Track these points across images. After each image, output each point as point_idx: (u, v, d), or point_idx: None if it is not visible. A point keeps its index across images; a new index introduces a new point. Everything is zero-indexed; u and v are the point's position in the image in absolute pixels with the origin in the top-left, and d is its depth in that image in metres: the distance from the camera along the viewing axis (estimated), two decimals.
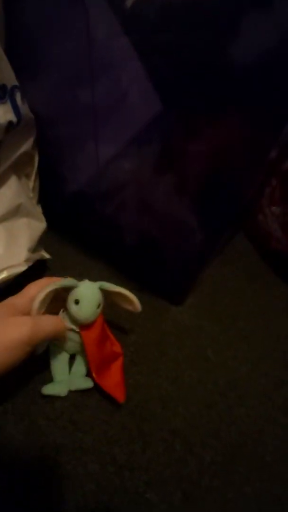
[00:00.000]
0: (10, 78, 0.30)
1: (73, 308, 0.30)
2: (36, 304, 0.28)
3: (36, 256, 0.36)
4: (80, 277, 0.46)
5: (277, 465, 0.30)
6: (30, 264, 0.33)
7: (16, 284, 0.33)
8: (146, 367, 0.36)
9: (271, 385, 0.36)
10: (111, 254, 0.46)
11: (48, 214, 0.42)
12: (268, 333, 0.42)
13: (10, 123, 0.30)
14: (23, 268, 0.32)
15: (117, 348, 0.34)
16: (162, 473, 0.29)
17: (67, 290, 0.31)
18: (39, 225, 0.38)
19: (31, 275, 0.36)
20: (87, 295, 0.30)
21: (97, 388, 0.32)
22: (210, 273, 0.47)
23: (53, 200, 0.44)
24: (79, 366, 0.33)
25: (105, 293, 0.32)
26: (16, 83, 0.31)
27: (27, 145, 0.36)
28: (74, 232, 0.47)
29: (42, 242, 0.39)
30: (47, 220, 0.41)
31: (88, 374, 0.33)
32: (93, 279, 0.45)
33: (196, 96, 0.28)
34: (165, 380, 0.35)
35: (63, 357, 0.33)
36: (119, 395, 0.31)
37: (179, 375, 0.36)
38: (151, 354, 0.37)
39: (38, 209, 0.40)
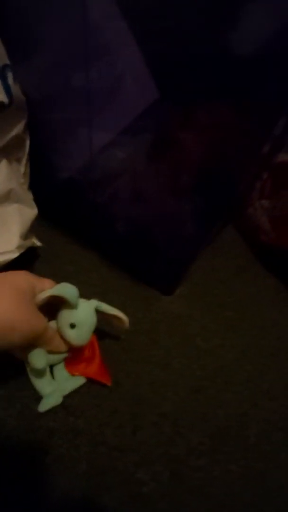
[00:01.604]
0: (1, 57, 0.29)
1: (67, 332, 0.29)
2: (39, 300, 0.28)
3: (28, 243, 0.35)
4: (71, 265, 0.46)
5: (260, 445, 0.32)
6: (22, 251, 0.33)
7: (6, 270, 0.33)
8: (137, 354, 0.36)
9: (257, 372, 0.38)
10: (103, 243, 0.45)
11: (39, 200, 0.41)
12: (255, 322, 0.43)
13: (1, 103, 0.29)
14: (14, 255, 0.31)
15: (91, 353, 0.33)
16: (151, 454, 0.30)
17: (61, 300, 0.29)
18: (31, 211, 0.37)
19: (22, 262, 0.35)
20: (85, 320, 0.29)
21: None
22: (200, 264, 0.48)
23: (44, 186, 0.43)
24: (61, 370, 0.32)
25: (100, 313, 0.31)
26: (7, 62, 0.30)
27: (18, 129, 0.35)
28: (66, 220, 0.47)
29: (33, 229, 0.39)
30: (38, 207, 0.40)
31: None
32: (85, 268, 0.45)
33: (193, 86, 0.28)
34: (155, 366, 0.36)
35: (44, 371, 0.32)
36: (104, 378, 0.32)
37: (169, 361, 0.37)
38: (142, 342, 0.38)
39: (29, 195, 0.40)
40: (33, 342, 0.28)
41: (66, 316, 0.29)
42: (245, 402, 0.35)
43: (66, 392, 0.31)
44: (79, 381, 0.32)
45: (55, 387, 0.31)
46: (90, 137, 0.35)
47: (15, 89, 0.32)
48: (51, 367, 0.32)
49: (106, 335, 0.37)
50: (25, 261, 0.38)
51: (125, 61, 0.29)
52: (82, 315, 0.29)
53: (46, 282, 0.30)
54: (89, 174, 0.40)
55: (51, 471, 0.27)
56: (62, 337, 0.30)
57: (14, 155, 0.37)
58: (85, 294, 0.42)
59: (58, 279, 0.43)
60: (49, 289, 0.29)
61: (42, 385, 0.31)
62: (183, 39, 0.26)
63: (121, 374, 0.34)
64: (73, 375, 0.32)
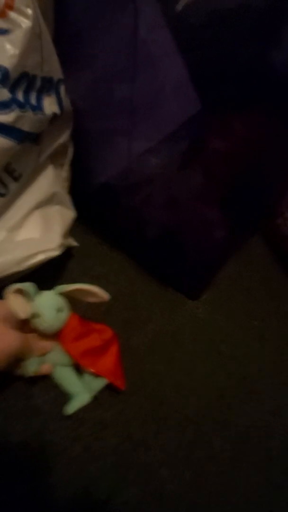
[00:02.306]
0: (57, 72, 0.31)
1: (35, 322, 0.29)
2: (15, 307, 0.27)
3: (67, 242, 0.37)
4: (101, 266, 0.48)
5: (282, 458, 0.32)
6: (63, 249, 0.35)
7: (40, 270, 0.35)
8: (162, 356, 0.38)
9: (281, 385, 0.38)
10: (133, 246, 0.47)
11: (74, 203, 0.44)
12: (280, 334, 0.43)
13: (54, 115, 0.32)
14: (57, 252, 0.34)
15: (107, 334, 0.33)
16: (174, 455, 0.30)
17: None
18: (70, 213, 0.40)
19: (57, 260, 0.37)
20: (43, 304, 0.30)
21: None
22: (226, 271, 0.48)
23: (80, 190, 0.46)
24: (85, 374, 0.32)
25: (68, 294, 0.31)
26: (61, 76, 0.32)
27: (64, 137, 0.38)
28: (99, 223, 0.49)
29: (69, 230, 0.41)
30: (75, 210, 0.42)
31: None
32: (114, 270, 0.47)
33: (234, 99, 0.29)
34: (180, 369, 0.37)
35: (67, 371, 0.32)
36: (119, 382, 0.32)
37: (193, 366, 0.37)
38: (167, 343, 0.39)
39: (69, 198, 0.42)
40: (17, 358, 0.28)
41: (30, 310, 0.29)
42: (267, 414, 0.35)
43: (94, 393, 0.31)
44: (104, 381, 0.32)
45: (82, 386, 0.31)
46: (129, 145, 0.37)
47: (66, 101, 0.34)
48: (79, 370, 0.32)
49: (133, 335, 0.39)
50: (59, 260, 0.40)
51: (171, 76, 0.30)
52: (40, 301, 0.30)
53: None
54: (125, 180, 0.42)
55: (78, 459, 0.28)
56: (43, 336, 0.30)
57: (59, 161, 0.40)
58: (113, 293, 0.43)
59: (88, 278, 0.45)
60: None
61: (69, 385, 0.31)
62: (227, 53, 0.27)
63: (146, 373, 0.35)
64: (90, 371, 0.31)
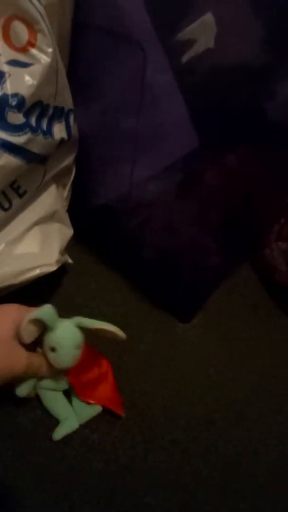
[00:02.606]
0: (68, 103, 0.34)
1: (50, 355, 0.28)
2: (23, 333, 0.26)
3: (63, 259, 0.38)
4: (96, 284, 0.49)
5: (271, 487, 0.31)
6: (59, 265, 0.36)
7: (35, 285, 0.36)
8: (152, 377, 0.38)
9: (268, 410, 0.38)
10: (129, 267, 0.48)
11: (73, 222, 0.45)
12: (269, 360, 0.44)
13: (62, 140, 0.34)
14: (54, 268, 0.34)
15: (104, 366, 0.33)
16: (161, 480, 0.30)
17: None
18: (68, 231, 0.41)
19: (52, 276, 0.38)
20: (64, 341, 0.27)
21: None
22: (217, 297, 0.50)
23: (80, 210, 0.47)
24: (74, 398, 0.31)
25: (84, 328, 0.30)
26: (72, 107, 0.35)
27: (69, 160, 0.40)
28: (96, 242, 0.51)
29: (66, 247, 0.42)
30: (73, 228, 0.44)
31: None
32: (109, 288, 0.48)
33: (230, 139, 0.32)
34: (169, 391, 0.37)
35: (57, 395, 0.31)
36: (117, 407, 0.32)
37: (182, 388, 0.37)
38: (157, 365, 0.39)
39: (67, 217, 0.44)
40: (16, 378, 0.27)
41: (47, 340, 0.28)
42: (256, 440, 0.35)
43: (83, 420, 0.31)
44: (96, 409, 0.31)
45: (70, 412, 0.30)
46: (132, 172, 0.40)
47: (74, 129, 0.37)
48: (68, 394, 0.31)
49: (124, 354, 0.39)
50: (55, 276, 0.41)
51: (173, 115, 0.34)
52: (60, 336, 0.27)
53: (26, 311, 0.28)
54: (124, 203, 0.44)
55: (63, 481, 0.27)
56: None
57: (62, 182, 0.42)
58: (106, 312, 0.44)
59: (83, 295, 0.45)
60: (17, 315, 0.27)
61: (58, 410, 0.30)
62: (225, 100, 0.31)
63: (135, 394, 0.35)
64: (86, 401, 0.31)
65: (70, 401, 0.32)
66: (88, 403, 0.31)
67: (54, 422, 0.31)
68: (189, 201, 0.40)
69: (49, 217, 0.38)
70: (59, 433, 0.30)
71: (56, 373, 0.30)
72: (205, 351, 0.42)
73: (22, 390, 0.28)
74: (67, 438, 0.30)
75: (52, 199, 0.38)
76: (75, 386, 0.30)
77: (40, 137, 0.30)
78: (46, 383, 0.30)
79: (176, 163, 0.37)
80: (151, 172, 0.39)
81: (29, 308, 0.28)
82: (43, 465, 0.28)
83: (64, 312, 0.42)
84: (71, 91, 0.35)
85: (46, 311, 0.28)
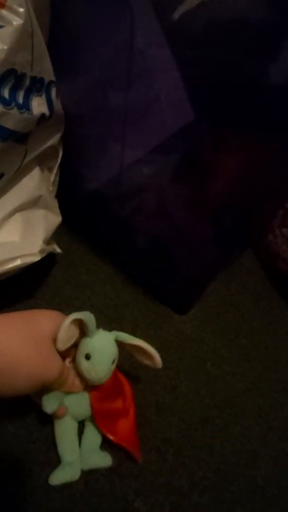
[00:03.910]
0: (48, 73, 0.31)
1: (83, 364, 0.25)
2: (62, 335, 0.24)
3: (49, 248, 0.36)
4: (87, 274, 0.46)
5: (269, 489, 0.30)
6: (43, 255, 0.33)
7: (20, 276, 0.34)
8: (145, 373, 0.35)
9: (268, 407, 0.36)
10: (121, 256, 0.46)
11: (62, 209, 0.42)
12: (269, 354, 0.41)
13: (42, 115, 0.31)
14: (36, 258, 0.32)
15: (128, 400, 0.29)
16: (152, 483, 0.28)
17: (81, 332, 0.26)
18: (55, 218, 0.38)
19: (38, 268, 0.36)
20: (101, 349, 0.26)
21: None
22: (215, 287, 0.47)
23: (69, 196, 0.44)
24: (92, 436, 0.28)
25: (121, 344, 0.28)
26: (53, 78, 0.32)
27: (54, 140, 0.37)
28: (86, 230, 0.48)
29: (55, 236, 0.39)
30: (62, 215, 0.41)
31: (102, 445, 0.28)
32: (101, 279, 0.45)
33: (229, 112, 0.28)
34: (162, 388, 0.35)
35: (71, 429, 0.27)
36: (136, 453, 0.28)
37: (177, 384, 0.35)
38: None
39: (55, 203, 0.41)
40: (49, 386, 0.25)
41: (82, 346, 0.26)
42: (254, 439, 0.33)
43: (87, 467, 0.27)
44: (106, 461, 0.27)
45: (76, 457, 0.27)
46: (122, 153, 0.36)
47: (57, 104, 0.33)
48: (80, 432, 0.28)
49: None
50: (43, 266, 0.38)
51: (163, 84, 0.30)
52: (97, 344, 0.26)
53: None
54: (116, 188, 0.41)
55: (46, 489, 0.26)
56: (79, 374, 0.27)
57: (47, 164, 0.39)
58: (98, 304, 0.42)
59: (72, 287, 0.43)
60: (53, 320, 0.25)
61: (65, 447, 0.27)
62: (224, 66, 0.27)
63: None
64: (104, 433, 0.27)
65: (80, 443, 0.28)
66: (99, 451, 0.28)
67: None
68: (185, 184, 0.37)
69: (33, 203, 0.35)
70: (57, 478, 0.26)
71: (80, 395, 0.27)
72: (202, 344, 0.40)
73: (51, 405, 0.25)
74: (51, 441, 0.28)
75: (35, 183, 0.35)
76: (96, 412, 0.27)
77: (14, 111, 0.27)
78: (72, 402, 0.27)
79: (170, 142, 0.34)
80: (142, 152, 0.35)
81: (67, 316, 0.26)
82: (25, 468, 0.26)
83: (51, 304, 0.40)
84: (54, 64, 0.32)
85: (88, 314, 0.26)
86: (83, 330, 0.26)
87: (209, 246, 0.38)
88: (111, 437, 0.27)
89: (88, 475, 0.27)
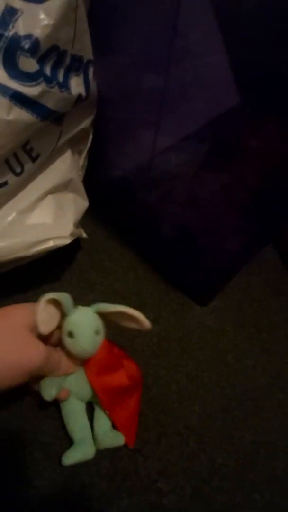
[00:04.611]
0: (88, 52, 0.30)
1: (67, 341, 0.26)
2: (40, 317, 0.23)
3: (78, 232, 0.36)
4: (110, 261, 0.46)
5: (287, 480, 0.30)
6: (74, 238, 0.33)
7: (48, 258, 0.34)
8: (167, 361, 0.36)
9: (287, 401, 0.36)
10: (145, 244, 0.45)
11: (88, 194, 0.42)
12: None
13: (79, 96, 0.30)
14: (68, 240, 0.32)
15: (135, 374, 0.29)
16: (174, 466, 0.29)
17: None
18: (84, 202, 0.38)
19: (66, 251, 0.36)
20: (81, 324, 0.25)
21: None
22: (237, 280, 0.47)
23: (95, 181, 0.44)
24: (102, 418, 0.28)
25: (105, 315, 0.27)
26: (91, 57, 0.31)
27: (86, 122, 0.36)
28: (111, 217, 0.48)
29: (80, 221, 0.39)
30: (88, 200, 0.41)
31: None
32: (123, 266, 0.45)
33: (273, 99, 0.27)
34: (184, 376, 0.35)
35: (78, 409, 0.27)
36: (130, 438, 0.28)
37: (198, 374, 0.36)
38: (172, 349, 0.37)
39: (83, 188, 0.41)
40: (41, 373, 0.25)
41: (64, 326, 0.26)
42: (274, 431, 0.33)
43: (101, 447, 0.27)
44: (119, 439, 0.27)
45: (86, 435, 0.27)
46: (154, 139, 0.36)
47: (93, 85, 0.33)
48: (91, 413, 0.28)
49: (137, 337, 0.37)
50: (68, 250, 0.38)
51: (205, 67, 0.29)
52: (77, 319, 0.25)
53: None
54: (143, 175, 0.41)
55: (74, 466, 0.26)
56: (70, 355, 0.26)
57: (77, 147, 0.38)
58: (120, 291, 0.42)
59: (96, 272, 0.43)
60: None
61: (75, 426, 0.27)
62: (273, 49, 0.26)
63: (149, 378, 0.33)
64: (108, 414, 0.27)
65: (91, 424, 0.28)
66: (111, 431, 0.27)
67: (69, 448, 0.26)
68: (215, 173, 0.36)
69: (64, 186, 0.35)
70: (70, 458, 0.26)
71: (78, 374, 0.27)
72: (223, 336, 0.40)
73: (49, 392, 0.25)
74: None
75: (67, 166, 0.34)
76: (95, 386, 0.26)
77: (55, 90, 0.26)
78: (72, 383, 0.27)
79: (204, 130, 0.33)
80: (175, 139, 0.35)
81: None
82: (51, 445, 0.27)
83: (77, 288, 0.40)
84: (92, 43, 0.31)
85: (62, 294, 0.26)
86: (64, 312, 0.26)
87: (237, 238, 0.38)
88: (109, 414, 0.27)
89: (113, 454, 0.28)
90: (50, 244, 0.31)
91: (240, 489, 0.29)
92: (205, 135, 0.34)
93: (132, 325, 0.28)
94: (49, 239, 0.31)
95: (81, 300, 0.39)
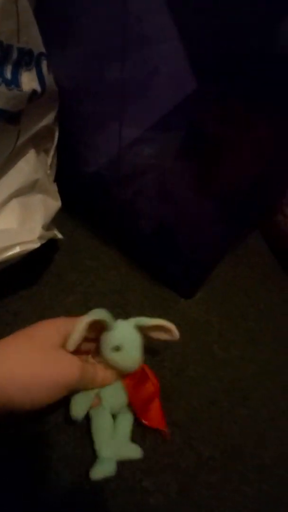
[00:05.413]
0: (37, 44, 0.28)
1: (113, 356, 0.26)
2: (77, 335, 0.24)
3: (49, 234, 0.35)
4: (91, 260, 0.45)
5: (276, 469, 0.30)
6: (43, 242, 0.32)
7: (23, 263, 0.33)
8: (151, 357, 0.35)
9: (276, 390, 0.36)
10: (125, 240, 0.45)
11: (63, 193, 0.41)
12: (277, 336, 0.41)
13: (33, 92, 0.29)
14: (36, 245, 0.31)
15: (154, 386, 0.30)
16: (159, 463, 0.28)
17: (94, 330, 0.26)
18: (54, 203, 0.37)
19: (41, 254, 0.35)
20: (128, 338, 0.26)
21: None
22: (222, 270, 0.46)
23: (69, 179, 0.43)
24: (123, 428, 0.28)
25: (141, 328, 0.28)
26: (43, 50, 0.29)
27: (48, 119, 0.35)
28: (89, 214, 0.47)
29: (55, 221, 0.38)
30: (62, 200, 0.40)
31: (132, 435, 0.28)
32: (105, 265, 0.45)
33: (236, 83, 0.26)
34: (169, 371, 0.35)
35: (107, 423, 0.27)
36: (167, 433, 0.29)
37: (183, 368, 0.35)
38: (156, 344, 0.36)
39: (54, 187, 0.39)
40: (78, 388, 0.25)
41: (107, 341, 0.26)
42: (262, 421, 0.33)
43: (120, 458, 0.27)
44: (136, 452, 0.28)
45: (112, 452, 0.27)
46: (120, 131, 0.34)
47: (49, 78, 0.31)
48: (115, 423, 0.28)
49: None
50: (45, 253, 0.38)
51: (164, 53, 0.27)
52: (124, 334, 0.26)
53: (75, 321, 0.26)
54: (116, 170, 0.40)
55: (56, 469, 0.26)
56: (109, 367, 0.27)
57: (42, 146, 0.37)
58: (102, 290, 0.41)
59: (76, 273, 0.42)
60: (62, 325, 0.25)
61: (102, 443, 0.27)
62: (230, 31, 0.24)
63: None
64: (145, 423, 0.28)
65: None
66: (130, 443, 0.28)
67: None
68: (189, 163, 0.35)
69: (29, 188, 0.33)
70: (97, 473, 0.26)
71: (115, 386, 0.27)
72: (209, 328, 0.40)
73: (78, 411, 0.26)
74: (59, 423, 0.28)
75: (31, 166, 0.33)
76: (133, 400, 0.27)
77: (3, 88, 0.25)
78: (106, 393, 0.27)
79: (172, 118, 0.32)
80: (142, 129, 0.33)
81: (74, 319, 0.26)
82: (34, 452, 0.26)
83: (55, 291, 0.40)
84: (43, 34, 0.29)
85: (102, 311, 0.26)
86: (93, 327, 0.26)
87: (216, 228, 0.37)
88: (146, 423, 0.28)
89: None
90: (17, 250, 0.30)
91: (229, 481, 0.28)
92: (171, 124, 0.32)
93: (163, 336, 0.29)
94: (15, 244, 0.30)
95: (60, 303, 0.38)
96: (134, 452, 0.28)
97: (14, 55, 0.26)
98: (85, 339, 0.26)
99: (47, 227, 0.34)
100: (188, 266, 0.41)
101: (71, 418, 0.26)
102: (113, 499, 0.26)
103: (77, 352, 0.25)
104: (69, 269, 0.42)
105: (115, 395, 0.28)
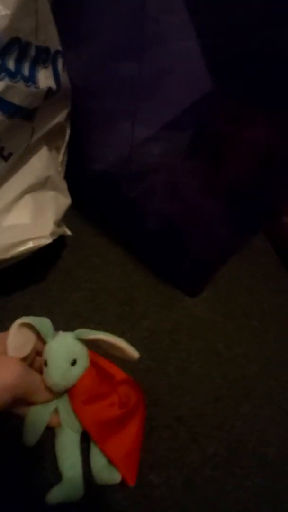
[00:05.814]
0: (54, 42, 0.29)
1: (44, 370, 0.24)
2: (11, 337, 0.23)
3: (60, 231, 0.35)
4: (97, 257, 0.46)
5: (279, 465, 0.30)
6: (55, 237, 0.33)
7: (32, 259, 0.33)
8: (157, 354, 0.36)
9: (279, 388, 0.36)
10: (131, 238, 0.45)
11: (71, 191, 0.41)
12: (280, 335, 0.41)
13: (49, 89, 0.29)
14: (48, 240, 0.31)
15: (131, 398, 0.26)
16: (165, 458, 0.29)
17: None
18: (65, 200, 0.37)
19: (50, 250, 0.35)
20: (54, 351, 0.23)
21: None
22: (227, 269, 0.46)
23: (78, 177, 0.43)
24: (97, 452, 0.25)
25: (89, 341, 0.25)
26: (59, 48, 0.30)
27: (61, 117, 0.35)
28: (96, 212, 0.47)
29: (64, 218, 0.39)
30: (71, 197, 0.40)
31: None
32: (111, 262, 0.45)
33: (248, 84, 0.26)
34: (174, 368, 0.35)
35: (71, 440, 0.25)
36: (129, 476, 0.24)
37: (189, 365, 0.36)
38: (163, 341, 0.37)
39: (64, 184, 0.40)
40: (18, 393, 0.22)
41: (43, 353, 0.24)
42: (265, 418, 0.33)
43: (98, 483, 0.24)
44: (114, 476, 0.24)
45: (76, 473, 0.24)
46: (132, 130, 0.35)
47: (64, 76, 0.32)
48: (87, 448, 0.25)
49: (127, 331, 0.37)
50: (53, 249, 0.38)
51: (181, 53, 0.28)
52: (52, 347, 0.23)
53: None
54: (126, 168, 0.40)
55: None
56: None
57: (54, 143, 0.37)
58: (109, 288, 0.42)
59: (83, 270, 0.43)
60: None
61: (65, 462, 0.24)
62: (245, 33, 0.25)
63: (139, 372, 0.34)
64: (101, 449, 0.24)
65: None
66: (107, 467, 0.24)
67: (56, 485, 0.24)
68: (198, 162, 0.35)
69: (42, 184, 0.34)
70: (54, 497, 0.23)
71: (67, 403, 0.25)
72: (213, 326, 0.40)
73: (29, 439, 0.24)
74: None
75: (43, 163, 0.34)
76: (81, 419, 0.24)
77: (20, 85, 0.25)
78: (60, 411, 0.25)
79: (182, 117, 0.32)
80: (154, 129, 0.34)
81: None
82: (42, 446, 0.27)
83: (63, 287, 0.40)
84: (59, 32, 0.29)
85: (39, 318, 0.24)
86: (42, 339, 0.24)
87: (223, 228, 0.37)
88: (101, 448, 0.24)
89: None
90: (30, 245, 0.30)
91: (232, 477, 0.29)
92: (183, 123, 0.33)
93: (119, 353, 0.25)
94: (28, 240, 0.30)
95: (68, 299, 0.39)
96: (112, 477, 0.24)
97: (32, 52, 0.26)
98: (38, 354, 0.25)
99: (58, 224, 0.35)
100: (194, 265, 0.41)
101: (28, 437, 0.24)
102: (122, 490, 0.27)
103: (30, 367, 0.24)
104: (76, 266, 0.42)
105: (67, 411, 0.25)
